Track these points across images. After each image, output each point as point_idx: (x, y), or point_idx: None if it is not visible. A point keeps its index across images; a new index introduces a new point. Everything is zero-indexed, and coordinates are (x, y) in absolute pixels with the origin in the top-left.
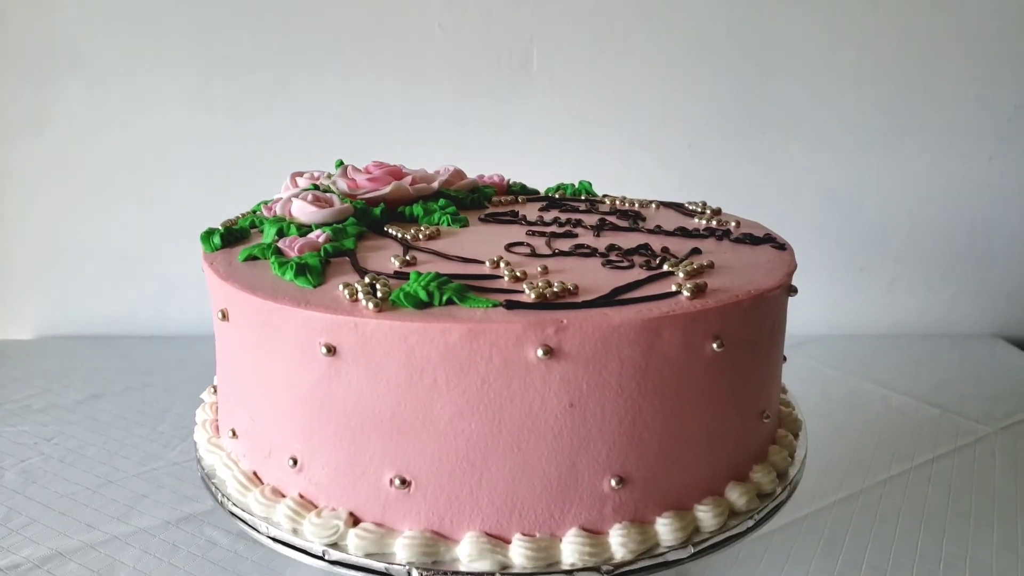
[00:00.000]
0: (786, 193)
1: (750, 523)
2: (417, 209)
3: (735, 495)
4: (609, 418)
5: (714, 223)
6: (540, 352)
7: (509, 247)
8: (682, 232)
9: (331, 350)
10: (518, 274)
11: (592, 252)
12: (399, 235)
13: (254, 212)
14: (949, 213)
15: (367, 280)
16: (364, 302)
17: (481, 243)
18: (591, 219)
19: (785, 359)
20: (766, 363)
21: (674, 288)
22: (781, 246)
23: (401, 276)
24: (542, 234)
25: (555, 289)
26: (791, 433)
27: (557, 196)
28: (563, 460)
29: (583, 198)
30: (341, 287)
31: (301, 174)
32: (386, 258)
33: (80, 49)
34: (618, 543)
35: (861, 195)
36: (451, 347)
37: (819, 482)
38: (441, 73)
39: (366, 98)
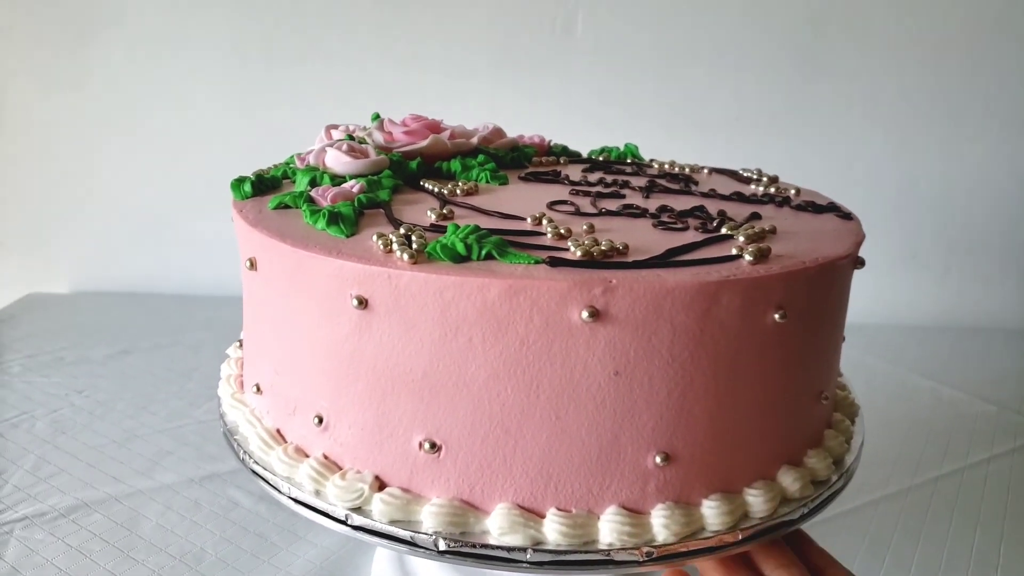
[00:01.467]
0: (836, 172)
1: (804, 511)
2: (455, 165)
3: (788, 480)
4: (657, 389)
5: (772, 190)
6: (585, 314)
7: (552, 205)
8: (739, 197)
9: (363, 303)
10: (562, 231)
11: (642, 213)
12: (435, 189)
13: (287, 164)
14: (1009, 201)
15: (402, 231)
16: (399, 253)
17: (522, 200)
18: (639, 181)
19: (844, 339)
20: (828, 340)
21: (734, 252)
22: (847, 215)
23: (437, 229)
24: (586, 193)
25: (603, 247)
26: (847, 418)
27: (601, 159)
28: (605, 432)
29: (628, 162)
30: (375, 237)
31: (336, 127)
32: (422, 211)
33: (121, 5)
34: (660, 524)
35: (916, 178)
36: (489, 304)
37: (865, 476)
38: (483, 34)
39: (404, 58)
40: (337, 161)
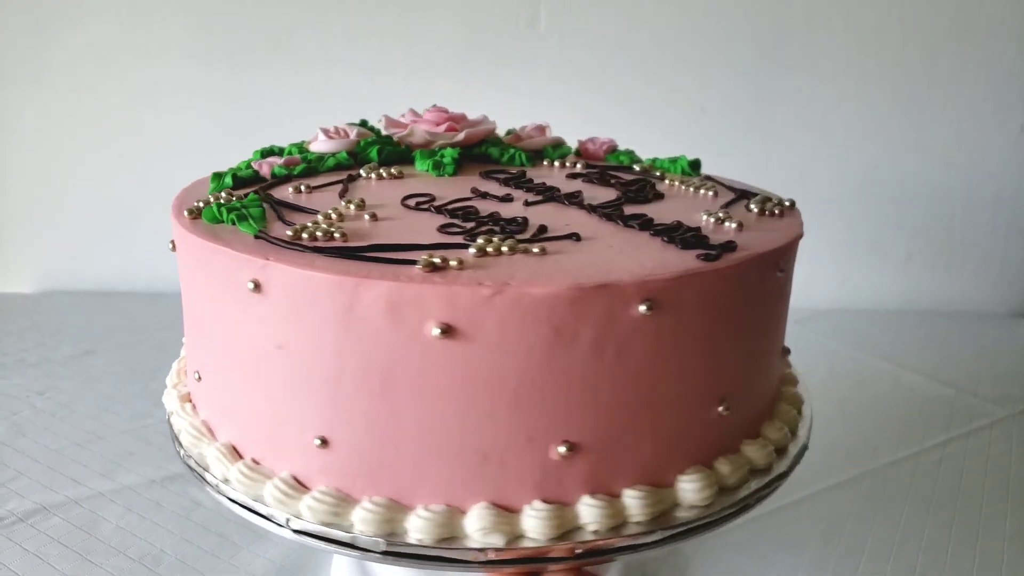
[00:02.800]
0: (800, 160)
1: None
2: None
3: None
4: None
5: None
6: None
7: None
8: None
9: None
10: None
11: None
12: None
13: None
14: (971, 187)
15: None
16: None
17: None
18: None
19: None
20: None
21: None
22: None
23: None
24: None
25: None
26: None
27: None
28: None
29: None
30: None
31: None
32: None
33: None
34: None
35: (878, 165)
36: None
37: (822, 462)
38: (447, 29)
39: (368, 54)
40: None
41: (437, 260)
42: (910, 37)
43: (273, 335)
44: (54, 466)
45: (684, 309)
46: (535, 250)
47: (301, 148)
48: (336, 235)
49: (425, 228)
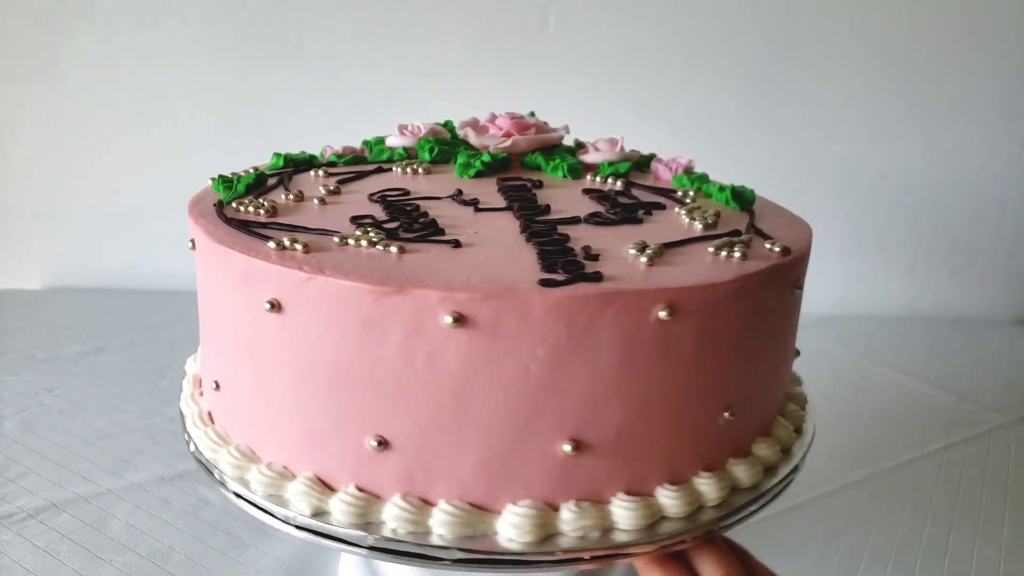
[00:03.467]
0: (806, 166)
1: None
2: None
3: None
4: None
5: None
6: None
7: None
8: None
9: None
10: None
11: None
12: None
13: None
14: (976, 195)
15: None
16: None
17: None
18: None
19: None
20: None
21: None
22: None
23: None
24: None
25: None
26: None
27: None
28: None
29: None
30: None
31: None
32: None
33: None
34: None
35: (884, 173)
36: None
37: (825, 465)
38: (457, 32)
39: (379, 56)
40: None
41: (287, 242)
42: (917, 44)
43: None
44: (64, 463)
45: (510, 323)
46: (392, 249)
47: (379, 141)
48: (262, 212)
49: (342, 216)
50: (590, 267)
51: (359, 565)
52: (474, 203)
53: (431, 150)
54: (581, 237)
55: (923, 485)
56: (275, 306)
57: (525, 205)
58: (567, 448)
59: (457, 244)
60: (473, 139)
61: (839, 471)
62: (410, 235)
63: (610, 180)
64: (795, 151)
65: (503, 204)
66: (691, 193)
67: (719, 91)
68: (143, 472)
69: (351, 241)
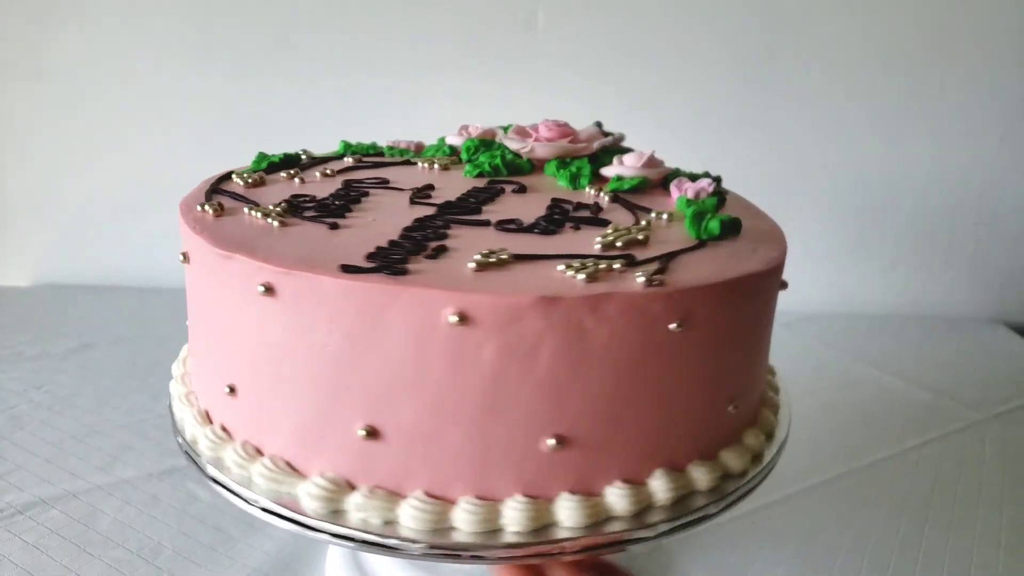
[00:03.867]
0: (790, 167)
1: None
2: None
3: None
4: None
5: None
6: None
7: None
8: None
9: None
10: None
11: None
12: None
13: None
14: (954, 196)
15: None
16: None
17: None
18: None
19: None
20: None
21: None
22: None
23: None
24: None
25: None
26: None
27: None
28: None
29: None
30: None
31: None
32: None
33: None
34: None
35: (866, 173)
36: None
37: (804, 462)
38: (447, 30)
39: (368, 55)
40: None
41: (208, 208)
42: (896, 51)
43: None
44: (52, 459)
45: (308, 300)
46: (274, 223)
47: (441, 142)
48: (248, 183)
49: (303, 192)
50: (417, 263)
51: (344, 559)
52: (424, 197)
53: (469, 150)
54: (460, 236)
55: (900, 481)
56: (268, 289)
57: (456, 205)
58: (360, 433)
59: (334, 226)
60: (512, 144)
61: (818, 467)
62: (309, 215)
63: (602, 194)
64: (781, 151)
65: (443, 201)
66: (664, 215)
67: (706, 90)
68: (132, 468)
69: (255, 212)
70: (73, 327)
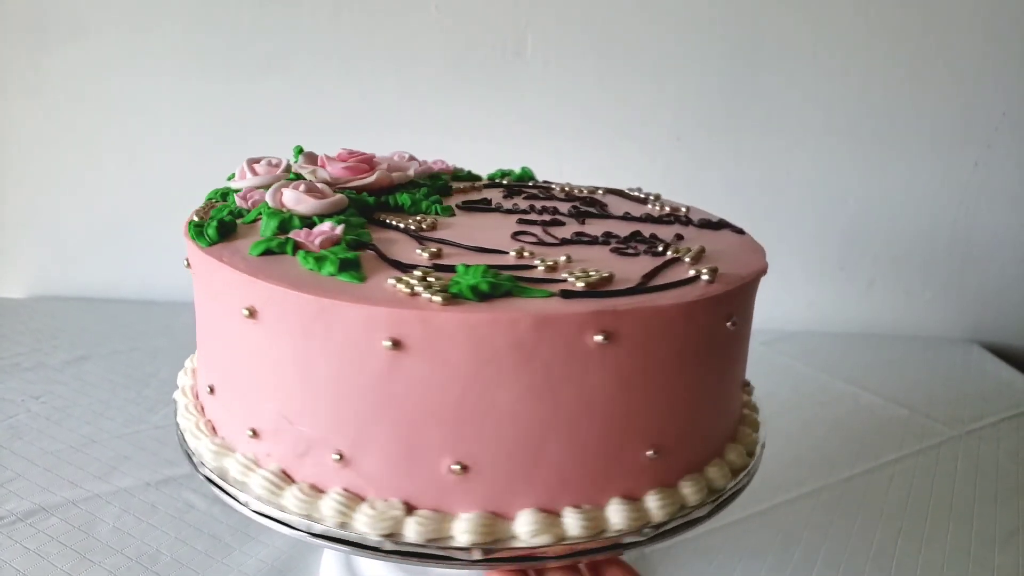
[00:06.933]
0: (769, 189)
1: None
2: (403, 198)
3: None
4: (653, 395)
5: (667, 208)
6: (600, 338)
7: (515, 236)
8: (649, 218)
9: (396, 344)
10: (549, 263)
11: (594, 240)
12: (402, 225)
13: (222, 198)
14: (931, 217)
15: (417, 273)
16: (427, 295)
17: (484, 232)
18: (562, 206)
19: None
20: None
21: (692, 273)
22: (739, 231)
23: (442, 268)
24: (532, 222)
25: (596, 277)
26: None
27: (505, 182)
28: (612, 437)
29: (531, 184)
30: (393, 281)
31: (258, 161)
32: (407, 250)
33: (78, 13)
34: (656, 507)
35: (844, 195)
36: (519, 337)
37: (783, 476)
38: (435, 55)
39: (359, 77)
40: (299, 201)
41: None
42: (874, 77)
43: (617, 378)
44: (51, 468)
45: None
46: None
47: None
48: (605, 276)
49: (628, 256)
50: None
51: (339, 565)
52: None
53: (375, 201)
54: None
55: (875, 494)
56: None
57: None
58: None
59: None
60: (302, 170)
61: (797, 480)
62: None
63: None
64: (760, 173)
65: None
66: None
67: (687, 117)
68: (129, 477)
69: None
70: (69, 339)
